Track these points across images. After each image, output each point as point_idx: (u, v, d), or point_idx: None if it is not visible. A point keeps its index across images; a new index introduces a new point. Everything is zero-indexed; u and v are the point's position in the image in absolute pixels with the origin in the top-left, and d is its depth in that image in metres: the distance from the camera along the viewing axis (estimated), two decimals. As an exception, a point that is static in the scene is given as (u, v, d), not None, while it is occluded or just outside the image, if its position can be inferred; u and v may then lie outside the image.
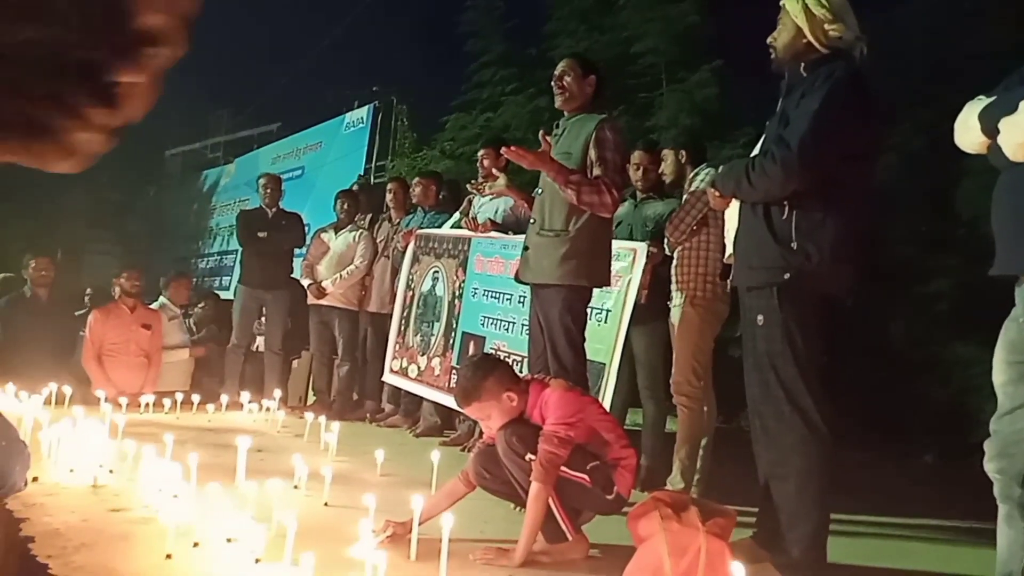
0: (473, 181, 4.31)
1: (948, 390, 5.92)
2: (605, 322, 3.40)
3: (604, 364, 3.33)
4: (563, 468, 2.31)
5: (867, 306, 6.06)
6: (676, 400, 3.39)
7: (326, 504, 2.69)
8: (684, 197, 3.46)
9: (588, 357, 3.06)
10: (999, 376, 1.85)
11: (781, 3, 2.29)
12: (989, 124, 1.77)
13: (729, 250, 2.47)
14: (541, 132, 2.94)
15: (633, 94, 8.18)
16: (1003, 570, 1.82)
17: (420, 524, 2.24)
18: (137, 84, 0.38)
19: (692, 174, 3.51)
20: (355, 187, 6.15)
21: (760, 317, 2.21)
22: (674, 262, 3.39)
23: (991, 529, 3.17)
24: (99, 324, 5.04)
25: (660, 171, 3.63)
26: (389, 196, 5.24)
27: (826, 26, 2.22)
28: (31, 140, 0.37)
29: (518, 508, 2.51)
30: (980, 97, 1.88)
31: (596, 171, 2.85)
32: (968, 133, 1.86)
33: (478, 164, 4.44)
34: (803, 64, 2.24)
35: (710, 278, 3.30)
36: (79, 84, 0.37)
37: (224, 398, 4.65)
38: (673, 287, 3.40)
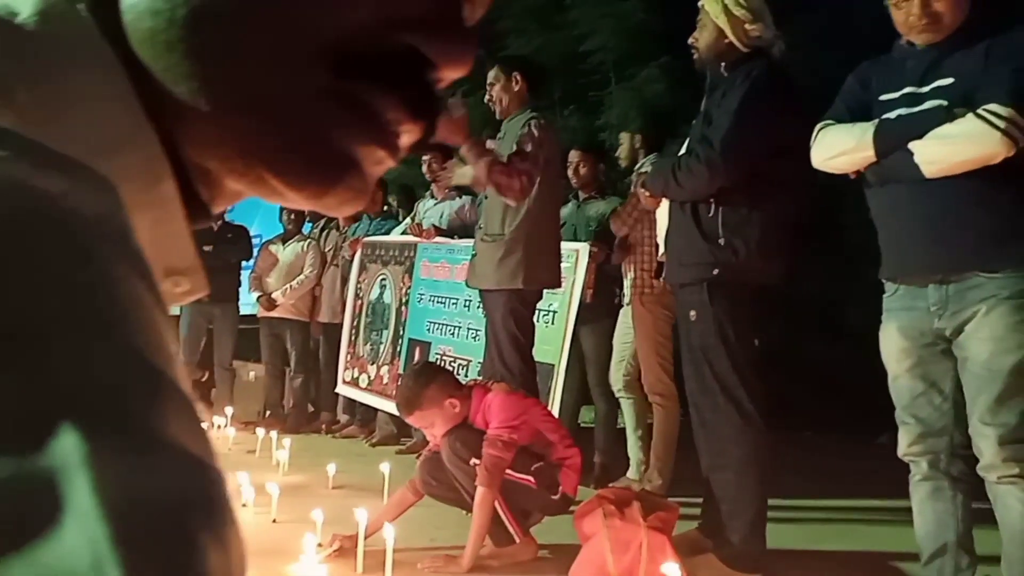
0: (436, 167, 4.15)
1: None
2: (552, 323, 3.42)
3: (553, 365, 3.35)
4: (508, 471, 2.32)
5: (825, 290, 6.20)
6: (651, 399, 3.36)
7: (274, 520, 2.66)
8: (632, 179, 3.48)
9: (537, 359, 3.05)
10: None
11: (700, 4, 2.33)
12: (888, 145, 1.81)
13: (662, 248, 2.51)
14: (450, 101, 2.77)
15: (583, 92, 8.23)
16: (936, 544, 1.88)
17: (368, 536, 2.24)
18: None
19: (641, 161, 3.53)
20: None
21: (692, 312, 2.25)
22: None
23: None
24: None
25: (600, 166, 3.68)
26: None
27: (746, 26, 2.26)
28: (340, 177, 0.28)
29: (467, 513, 2.51)
30: (828, 121, 1.94)
31: (511, 156, 2.79)
32: (850, 155, 1.90)
33: (424, 169, 4.42)
34: (724, 64, 2.28)
35: (652, 274, 3.31)
36: (403, 87, 0.28)
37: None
38: (625, 284, 3.44)
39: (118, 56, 0.24)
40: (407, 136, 0.29)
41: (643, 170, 3.39)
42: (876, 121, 1.85)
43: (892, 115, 1.84)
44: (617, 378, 3.51)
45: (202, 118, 0.26)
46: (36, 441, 0.14)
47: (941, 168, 1.73)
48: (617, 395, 3.53)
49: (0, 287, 0.15)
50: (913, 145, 1.76)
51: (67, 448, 0.14)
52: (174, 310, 6.81)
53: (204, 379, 5.47)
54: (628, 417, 3.51)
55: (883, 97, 1.89)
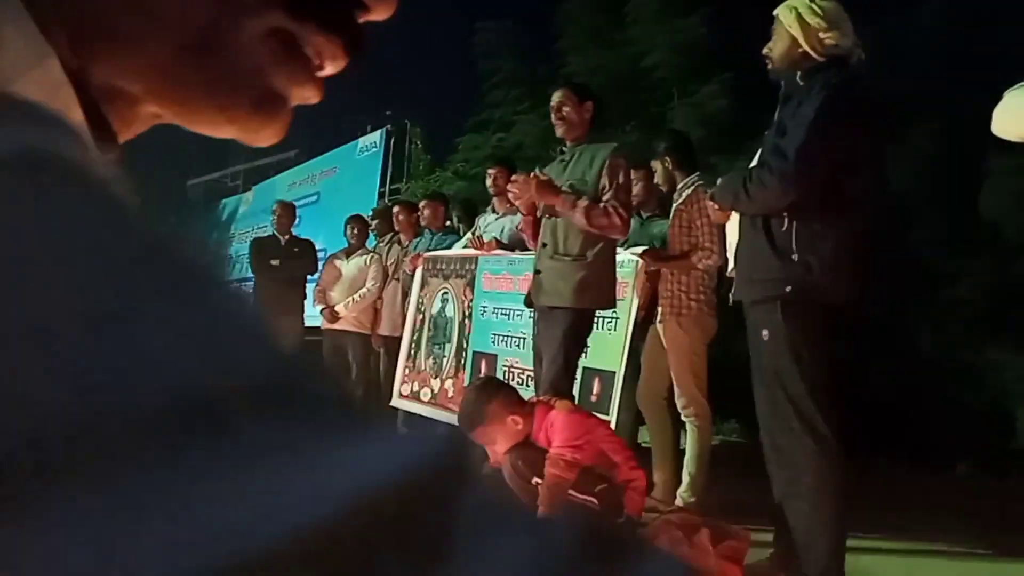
0: (501, 182, 4.20)
1: (981, 397, 5.78)
2: (615, 330, 3.36)
3: (614, 372, 3.31)
4: (571, 491, 2.27)
5: (895, 312, 5.97)
6: (686, 418, 3.39)
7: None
8: (672, 208, 3.45)
9: (599, 367, 3.15)
10: None
11: (775, 13, 2.27)
12: None
13: (731, 264, 2.43)
14: (533, 173, 2.98)
15: (644, 109, 8.18)
16: None
17: None
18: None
19: (680, 184, 3.48)
20: (372, 211, 6.21)
21: (765, 332, 2.17)
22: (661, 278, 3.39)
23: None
24: None
25: (655, 183, 3.63)
26: (396, 220, 5.27)
27: (821, 34, 2.19)
28: (262, 106, 0.29)
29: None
30: (1021, 84, 1.82)
31: (607, 196, 2.86)
32: (1015, 121, 1.80)
33: (488, 184, 4.46)
34: (799, 73, 2.20)
35: (693, 295, 3.34)
36: (340, 28, 0.30)
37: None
38: (660, 303, 3.39)
39: None
40: (330, 70, 0.31)
41: (687, 192, 3.41)
42: None
43: None
44: (647, 395, 3.52)
45: (137, 49, 0.26)
46: None
47: None
48: (652, 414, 3.53)
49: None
50: None
51: None
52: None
53: None
54: (670, 438, 3.52)
55: None
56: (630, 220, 2.93)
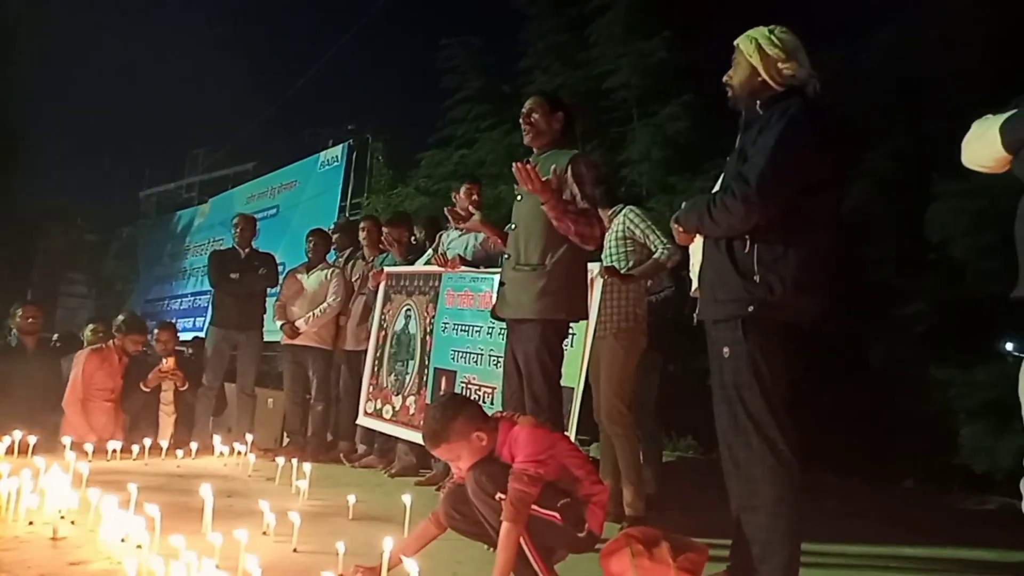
0: (449, 208, 4.25)
1: (927, 413, 5.96)
2: (571, 346, 3.40)
3: (572, 388, 3.34)
4: (533, 506, 2.28)
5: (846, 330, 6.13)
6: (609, 429, 3.48)
7: (295, 550, 2.63)
8: (609, 237, 3.57)
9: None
10: None
11: (735, 43, 2.35)
12: (1011, 138, 1.80)
13: (695, 284, 2.49)
14: (521, 163, 2.86)
15: (605, 129, 8.30)
16: None
17: (390, 569, 2.20)
18: None
19: (610, 212, 3.62)
20: (334, 225, 6.16)
21: (726, 349, 2.22)
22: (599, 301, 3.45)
23: (970, 559, 3.18)
24: (93, 367, 4.93)
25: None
26: (362, 235, 5.24)
27: (779, 64, 2.27)
28: None
29: (490, 548, 2.47)
30: (987, 116, 1.91)
31: (582, 205, 2.88)
32: (983, 149, 1.88)
33: (453, 199, 4.45)
34: (759, 101, 2.28)
35: (630, 310, 3.47)
36: None
37: (194, 444, 4.56)
38: (597, 322, 3.44)
39: None
40: None
41: (621, 227, 3.59)
42: (1008, 112, 1.80)
43: None
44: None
45: None
46: None
47: None
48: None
49: None
50: None
51: None
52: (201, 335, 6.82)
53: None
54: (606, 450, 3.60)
55: None
56: (601, 230, 2.97)
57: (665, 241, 3.44)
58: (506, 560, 2.22)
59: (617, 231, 3.59)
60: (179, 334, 5.87)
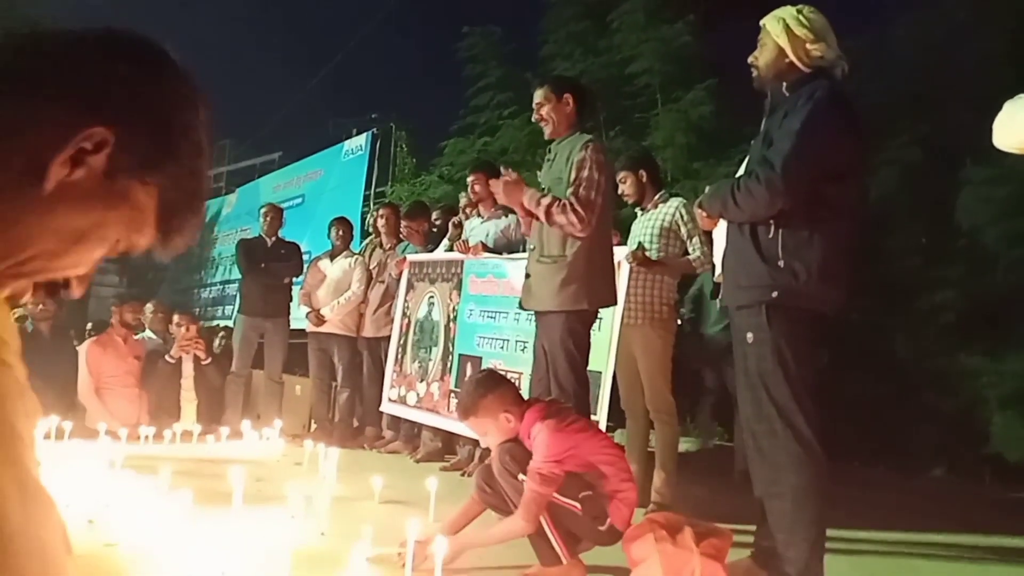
0: (479, 189, 4.28)
1: (956, 402, 5.88)
2: (599, 330, 3.39)
3: (600, 372, 3.34)
4: (555, 494, 2.29)
5: (872, 319, 6.06)
6: (656, 417, 3.49)
7: (323, 533, 2.68)
8: (660, 224, 3.56)
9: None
10: None
11: (762, 23, 2.32)
12: None
13: (718, 270, 2.48)
14: (506, 167, 3.03)
15: (629, 114, 8.25)
16: None
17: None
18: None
19: (665, 205, 3.60)
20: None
21: (750, 335, 2.21)
22: (627, 286, 3.43)
23: (999, 545, 3.15)
24: (97, 356, 5.03)
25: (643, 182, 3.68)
26: (380, 222, 5.28)
27: (808, 46, 2.24)
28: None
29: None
30: (1020, 95, 1.86)
31: (568, 192, 2.86)
32: (1016, 130, 1.83)
33: (469, 189, 4.48)
34: (785, 83, 2.25)
35: (665, 299, 3.48)
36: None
37: (224, 429, 4.64)
38: (625, 308, 3.41)
39: None
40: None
41: (670, 216, 3.56)
42: None
43: None
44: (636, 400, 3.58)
45: None
46: None
47: None
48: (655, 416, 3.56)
49: None
50: None
51: None
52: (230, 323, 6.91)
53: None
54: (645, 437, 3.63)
55: None
56: (590, 216, 2.81)
57: (705, 248, 3.44)
58: (495, 538, 2.31)
59: (664, 219, 3.55)
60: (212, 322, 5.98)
